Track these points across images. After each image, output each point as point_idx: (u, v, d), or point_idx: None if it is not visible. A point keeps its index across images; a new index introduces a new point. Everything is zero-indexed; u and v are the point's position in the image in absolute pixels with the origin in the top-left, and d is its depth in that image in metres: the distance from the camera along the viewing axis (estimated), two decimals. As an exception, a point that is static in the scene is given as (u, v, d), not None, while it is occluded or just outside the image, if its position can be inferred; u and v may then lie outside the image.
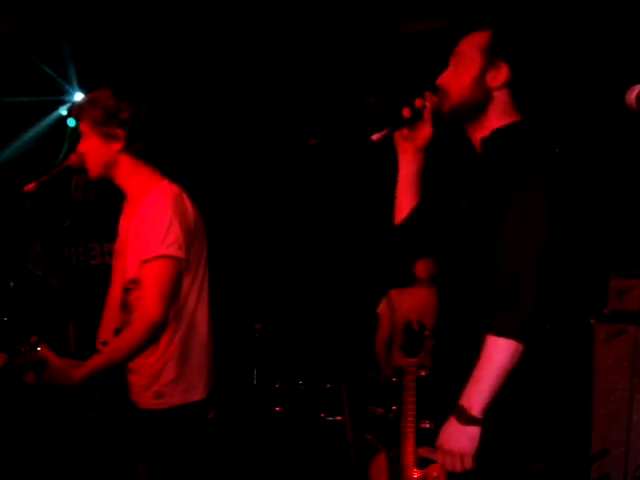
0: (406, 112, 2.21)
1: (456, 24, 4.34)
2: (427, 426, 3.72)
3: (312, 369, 4.69)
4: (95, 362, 2.49)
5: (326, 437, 4.35)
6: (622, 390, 3.90)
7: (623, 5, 4.03)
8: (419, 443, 3.51)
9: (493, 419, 1.93)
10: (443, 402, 2.10)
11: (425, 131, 2.24)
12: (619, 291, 4.02)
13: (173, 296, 2.56)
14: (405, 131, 2.25)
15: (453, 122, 2.18)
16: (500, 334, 1.91)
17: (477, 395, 1.92)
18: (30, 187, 2.69)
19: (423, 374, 3.89)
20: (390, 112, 2.23)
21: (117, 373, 2.63)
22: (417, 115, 2.20)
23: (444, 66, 2.21)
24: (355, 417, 4.01)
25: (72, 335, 3.83)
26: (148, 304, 2.51)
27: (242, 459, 4.37)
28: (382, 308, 5.03)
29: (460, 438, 1.93)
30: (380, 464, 3.67)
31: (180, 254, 2.55)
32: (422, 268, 4.81)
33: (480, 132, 2.16)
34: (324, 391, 4.55)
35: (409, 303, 4.72)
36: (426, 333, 3.68)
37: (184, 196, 2.67)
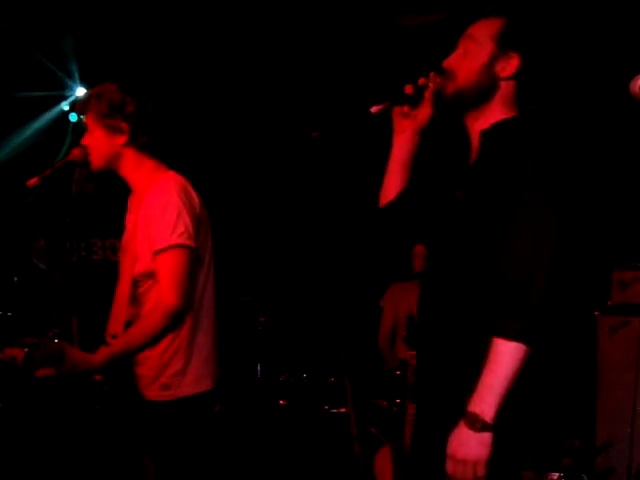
0: (409, 89, 2.13)
1: (463, 14, 4.33)
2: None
3: (316, 362, 4.70)
4: (113, 348, 2.51)
5: (330, 430, 4.35)
6: (626, 382, 3.90)
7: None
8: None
9: (502, 424, 1.89)
10: (429, 394, 2.09)
11: (425, 112, 2.17)
12: (623, 283, 4.02)
13: (189, 284, 2.57)
14: (406, 108, 2.18)
15: (453, 107, 2.12)
16: (511, 338, 1.86)
17: (489, 401, 1.87)
18: (33, 182, 2.70)
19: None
20: (393, 89, 2.18)
21: (124, 365, 2.64)
22: (419, 94, 2.14)
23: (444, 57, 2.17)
24: (359, 410, 4.01)
25: (75, 330, 3.84)
26: (165, 292, 2.52)
27: (247, 452, 4.37)
28: (385, 301, 5.03)
29: (475, 446, 1.87)
30: (384, 457, 3.68)
31: (190, 243, 2.57)
32: (419, 263, 4.81)
33: (480, 122, 2.11)
34: (328, 384, 4.55)
35: (411, 297, 4.72)
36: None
37: (189, 186, 2.68)
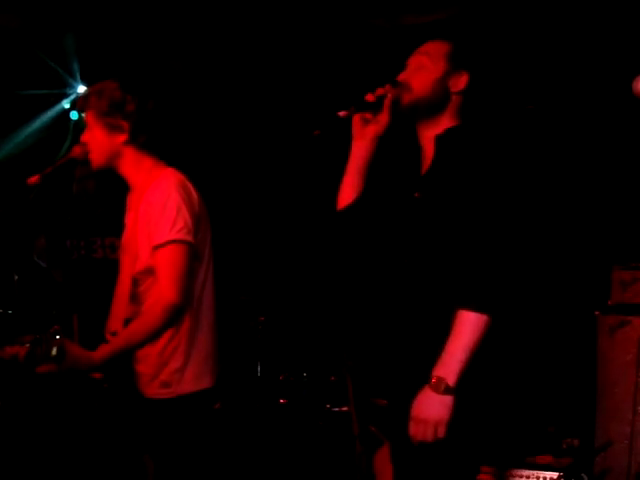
0: (370, 97, 2.29)
1: (462, 14, 4.37)
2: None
3: (316, 361, 4.69)
4: (114, 345, 2.54)
5: (331, 428, 4.35)
6: (626, 382, 3.90)
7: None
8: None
9: (462, 389, 2.06)
10: (401, 378, 2.25)
11: (384, 119, 2.31)
12: (623, 283, 4.02)
13: (188, 280, 2.58)
14: (368, 115, 2.33)
15: (408, 116, 2.32)
16: (472, 309, 2.06)
17: (452, 366, 2.05)
18: (34, 180, 2.71)
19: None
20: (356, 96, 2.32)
21: (124, 363, 2.64)
22: (379, 102, 2.30)
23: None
24: (361, 409, 4.02)
25: (76, 328, 3.85)
26: (163, 289, 2.53)
27: (247, 451, 4.38)
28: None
29: (437, 407, 2.04)
30: (384, 455, 3.67)
31: (190, 239, 2.58)
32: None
33: (432, 130, 2.32)
34: (329, 383, 4.55)
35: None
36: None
37: (188, 183, 2.69)
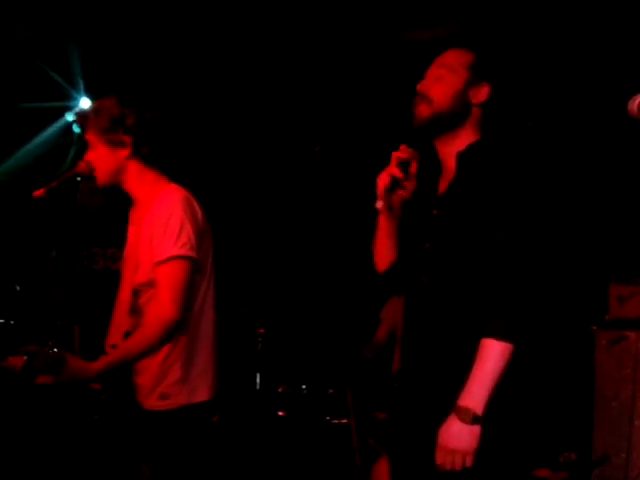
0: (397, 172, 2.31)
1: (463, 31, 4.40)
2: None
3: (316, 373, 4.71)
4: (111, 357, 2.53)
5: (330, 441, 4.35)
6: (623, 396, 3.91)
7: (622, 14, 4.07)
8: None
9: (489, 417, 2.05)
10: (418, 394, 2.23)
11: (411, 186, 2.35)
12: (620, 298, 4.04)
13: (188, 296, 2.59)
14: (401, 191, 2.34)
15: (428, 131, 2.27)
16: (498, 338, 2.05)
17: (480, 396, 2.04)
18: (39, 193, 2.72)
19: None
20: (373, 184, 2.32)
21: (123, 375, 2.66)
22: (405, 170, 2.31)
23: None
24: (360, 422, 4.03)
25: (77, 338, 3.86)
26: (163, 304, 2.54)
27: (245, 463, 4.38)
28: (384, 313, 5.04)
29: (466, 438, 2.03)
30: (382, 468, 3.68)
31: (193, 254, 2.59)
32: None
33: (453, 145, 2.27)
34: (327, 395, 4.56)
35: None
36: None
37: (192, 199, 2.71)
